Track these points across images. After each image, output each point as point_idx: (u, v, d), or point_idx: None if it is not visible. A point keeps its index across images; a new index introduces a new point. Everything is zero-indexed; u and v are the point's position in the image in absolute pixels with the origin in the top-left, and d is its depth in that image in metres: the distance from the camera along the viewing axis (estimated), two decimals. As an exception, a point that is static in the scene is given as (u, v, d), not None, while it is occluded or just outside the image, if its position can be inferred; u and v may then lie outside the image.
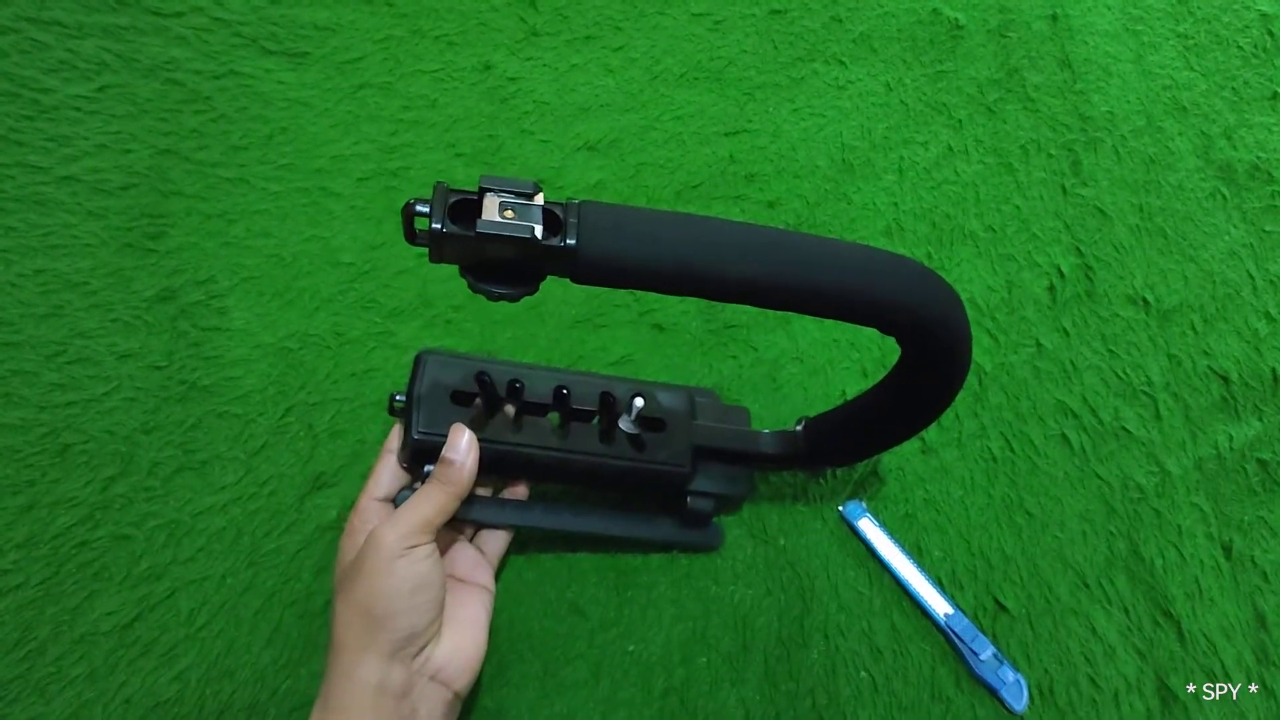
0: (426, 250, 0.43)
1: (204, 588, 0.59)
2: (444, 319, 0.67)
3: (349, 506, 0.61)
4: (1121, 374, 0.66)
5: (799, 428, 0.59)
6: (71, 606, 0.58)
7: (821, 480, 0.62)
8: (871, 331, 0.67)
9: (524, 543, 0.60)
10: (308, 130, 0.72)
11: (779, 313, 0.66)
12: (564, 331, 0.67)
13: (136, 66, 0.73)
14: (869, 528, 0.60)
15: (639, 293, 0.68)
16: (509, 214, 0.42)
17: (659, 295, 0.68)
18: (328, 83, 0.74)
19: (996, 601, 0.59)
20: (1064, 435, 0.64)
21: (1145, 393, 0.65)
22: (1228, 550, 0.61)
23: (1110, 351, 0.67)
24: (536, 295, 0.64)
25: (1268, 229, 0.71)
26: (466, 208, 0.43)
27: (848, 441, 0.57)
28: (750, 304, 0.46)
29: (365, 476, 0.61)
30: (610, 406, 0.55)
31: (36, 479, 0.61)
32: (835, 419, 0.57)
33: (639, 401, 0.56)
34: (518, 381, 0.54)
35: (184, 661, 0.57)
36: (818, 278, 0.44)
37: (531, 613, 0.59)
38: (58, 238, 0.67)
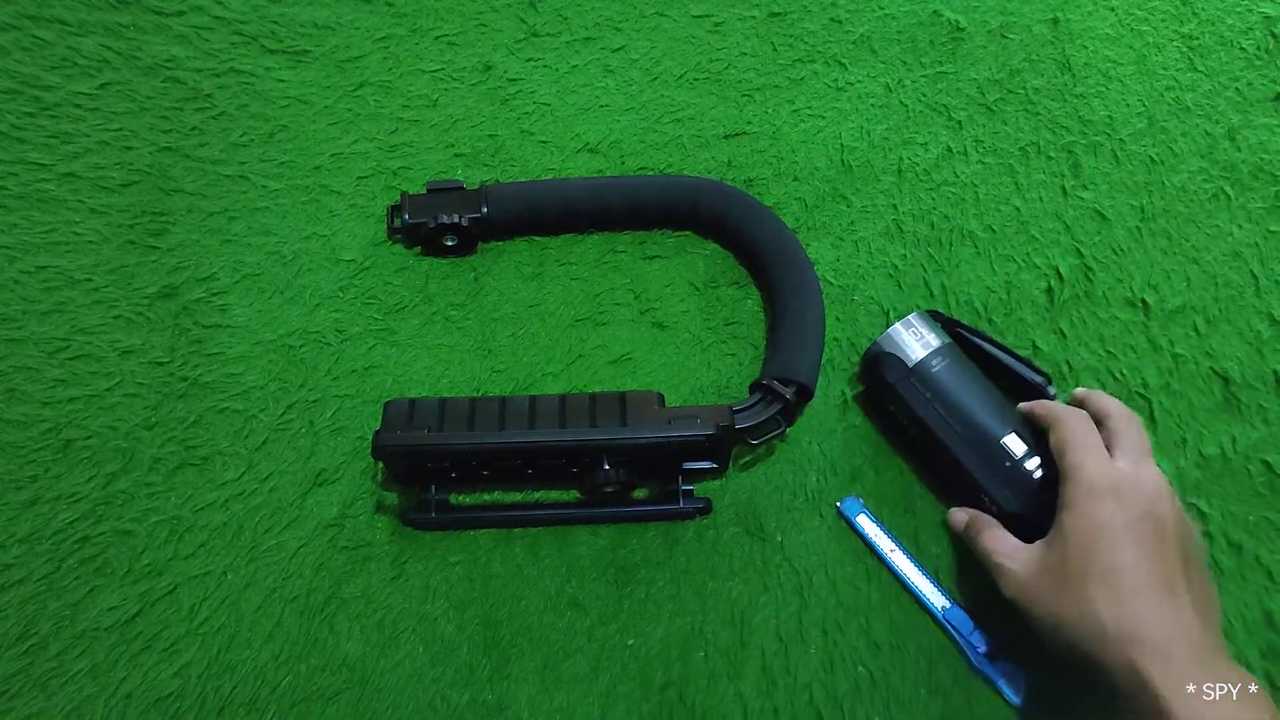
0: (420, 247, 0.69)
1: (205, 583, 0.59)
2: (444, 315, 0.67)
3: (349, 503, 0.61)
4: (1118, 375, 0.66)
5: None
6: (73, 602, 0.58)
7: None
8: (870, 331, 0.67)
9: (523, 537, 0.61)
10: (308, 128, 0.73)
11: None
12: (564, 330, 0.67)
13: (137, 64, 0.74)
14: (866, 523, 0.60)
15: (639, 292, 0.69)
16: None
17: (657, 295, 0.68)
18: (327, 81, 0.74)
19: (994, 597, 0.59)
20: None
21: (1141, 394, 0.66)
22: (1235, 550, 0.61)
23: (1108, 353, 0.67)
24: (537, 294, 0.68)
25: (1272, 229, 0.71)
26: (424, 204, 0.67)
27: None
28: (603, 228, 0.70)
29: (366, 474, 0.62)
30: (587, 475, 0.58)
31: (39, 474, 0.61)
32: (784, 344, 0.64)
33: (608, 471, 0.57)
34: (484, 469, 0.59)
35: (185, 657, 0.57)
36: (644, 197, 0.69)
37: (532, 607, 0.59)
38: (60, 234, 0.68)
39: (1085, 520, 0.50)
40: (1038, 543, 0.53)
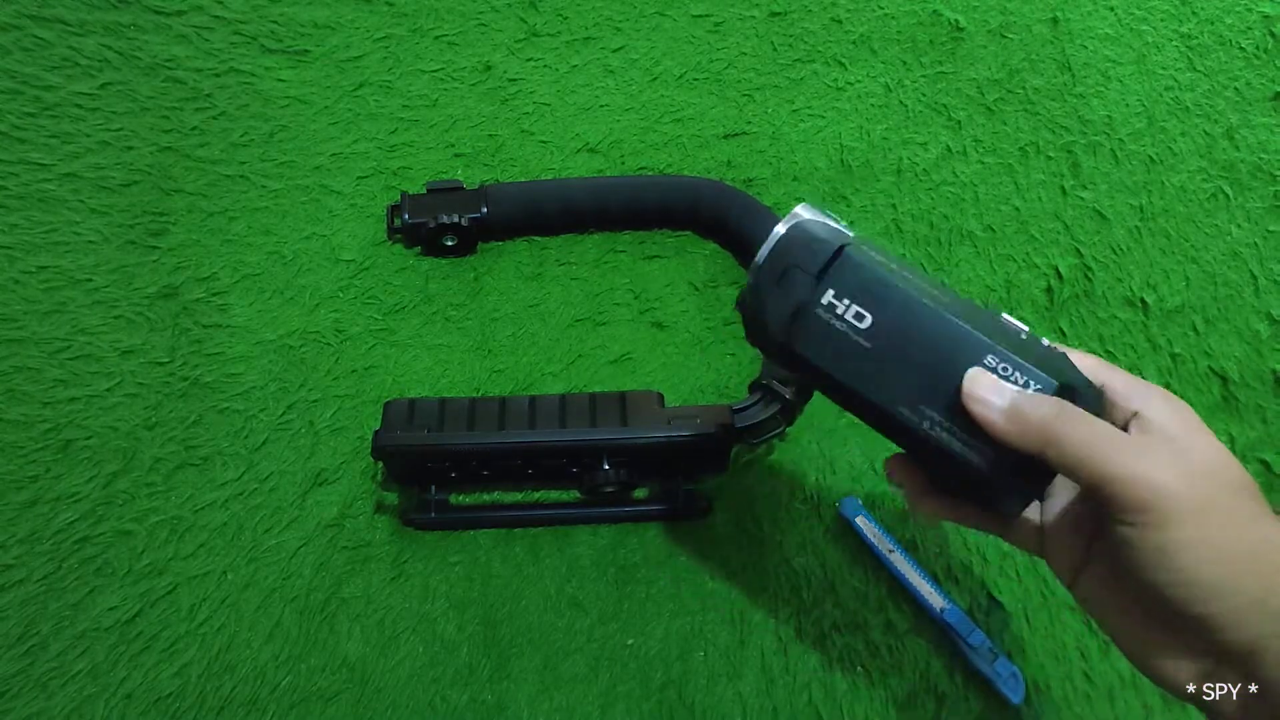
0: (420, 247, 0.69)
1: (205, 583, 0.59)
2: (444, 315, 0.67)
3: (349, 503, 0.61)
4: (1118, 374, 0.66)
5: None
6: (73, 602, 0.58)
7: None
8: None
9: (523, 537, 0.61)
10: (308, 128, 0.73)
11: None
12: (564, 330, 0.67)
13: (138, 64, 0.74)
14: (865, 524, 0.60)
15: (639, 292, 0.69)
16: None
17: (657, 295, 0.68)
18: (327, 81, 0.74)
19: (991, 597, 0.59)
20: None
21: (1142, 392, 0.66)
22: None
23: (1108, 352, 0.67)
24: (537, 294, 0.69)
25: (1271, 229, 0.71)
26: (423, 205, 0.67)
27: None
28: (604, 229, 0.70)
29: (366, 474, 0.62)
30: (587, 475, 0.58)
31: (39, 474, 0.61)
32: None
33: (608, 471, 0.57)
34: (484, 469, 0.59)
35: (185, 657, 0.57)
36: (644, 198, 0.69)
37: (532, 607, 0.59)
38: (61, 235, 0.68)
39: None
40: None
